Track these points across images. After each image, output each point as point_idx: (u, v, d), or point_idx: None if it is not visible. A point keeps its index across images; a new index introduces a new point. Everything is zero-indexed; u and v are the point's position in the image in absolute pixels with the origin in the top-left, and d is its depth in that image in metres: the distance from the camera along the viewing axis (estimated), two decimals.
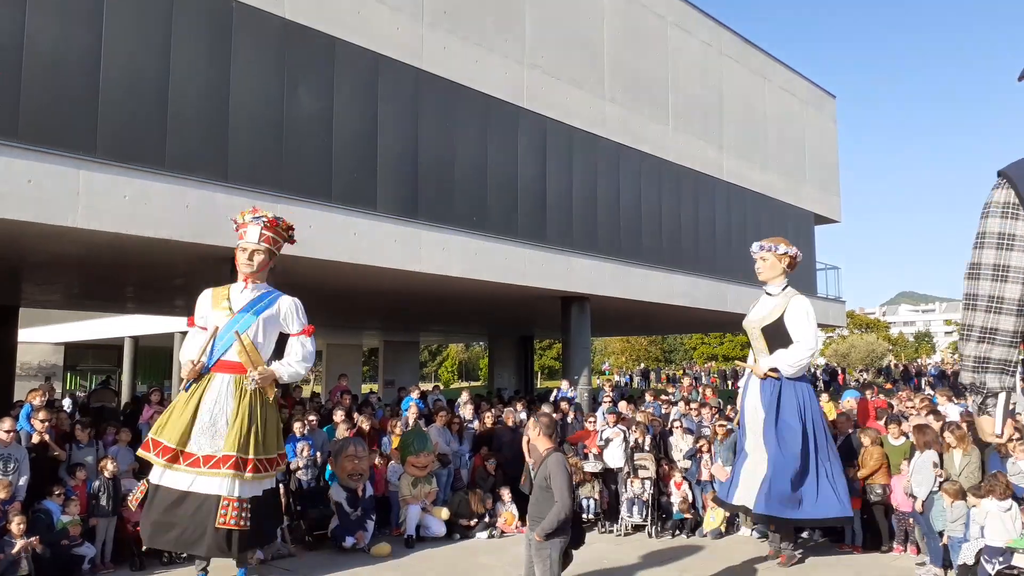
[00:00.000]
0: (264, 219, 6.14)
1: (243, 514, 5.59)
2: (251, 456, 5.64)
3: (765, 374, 6.85)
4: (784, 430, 6.71)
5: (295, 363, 6.07)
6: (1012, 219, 2.12)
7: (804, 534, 7.96)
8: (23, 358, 26.02)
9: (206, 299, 6.13)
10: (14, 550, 6.07)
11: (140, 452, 5.99)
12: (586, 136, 14.94)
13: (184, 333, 23.82)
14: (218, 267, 10.37)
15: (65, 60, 8.42)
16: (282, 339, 6.31)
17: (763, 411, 6.80)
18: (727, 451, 8.61)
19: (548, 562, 4.76)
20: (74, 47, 8.50)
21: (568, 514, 4.79)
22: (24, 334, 21.09)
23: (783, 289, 7.14)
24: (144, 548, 6.39)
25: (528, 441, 9.46)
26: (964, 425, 7.39)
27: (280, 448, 6.10)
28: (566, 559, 4.89)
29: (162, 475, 5.68)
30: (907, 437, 7.74)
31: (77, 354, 31.87)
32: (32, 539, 6.22)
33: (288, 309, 6.16)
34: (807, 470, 6.67)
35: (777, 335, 6.92)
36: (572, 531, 4.84)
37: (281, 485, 8.18)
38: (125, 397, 24.20)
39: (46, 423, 7.53)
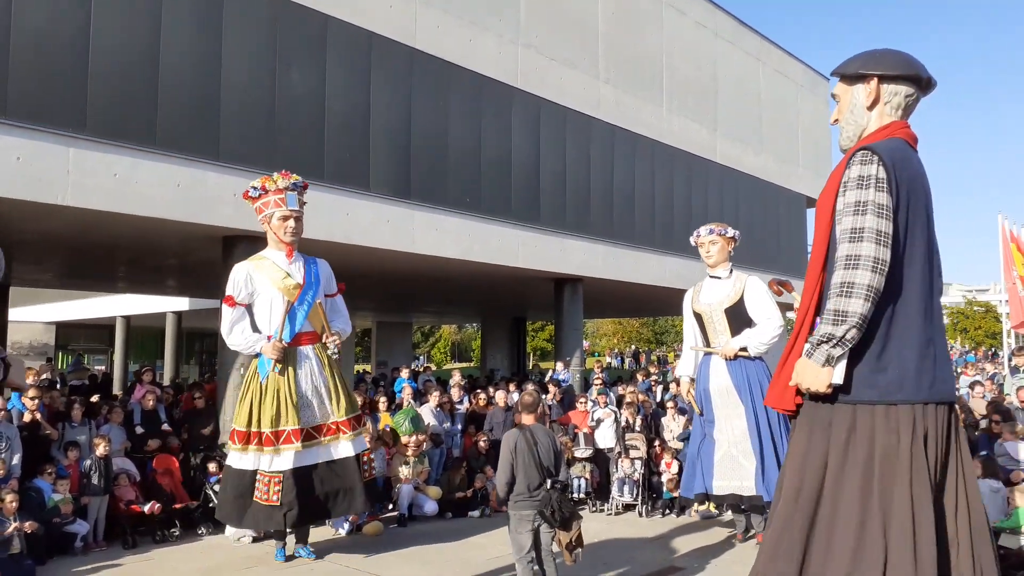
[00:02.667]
0: (300, 184, 6.09)
1: (371, 465, 6.07)
2: (359, 413, 6.15)
3: (736, 354, 6.63)
4: (767, 409, 6.51)
5: (346, 322, 6.27)
6: (888, 193, 2.45)
7: None
8: (14, 337, 25.92)
9: (252, 274, 5.87)
10: (7, 531, 6.07)
11: (238, 446, 5.80)
12: (580, 117, 14.88)
13: (178, 313, 23.39)
14: (209, 247, 10.34)
15: (54, 36, 8.32)
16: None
17: (739, 393, 6.57)
18: None
19: (510, 532, 4.86)
20: (63, 23, 8.40)
21: (505, 487, 4.81)
22: (15, 313, 21.02)
23: (730, 272, 7.05)
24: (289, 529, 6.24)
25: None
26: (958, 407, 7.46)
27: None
28: (569, 540, 4.87)
29: (298, 457, 5.70)
30: None
31: (69, 333, 31.78)
32: (25, 523, 6.20)
33: (329, 271, 6.28)
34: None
35: (737, 316, 6.75)
36: (554, 512, 4.76)
37: None
38: (117, 375, 24.17)
39: (36, 400, 7.52)
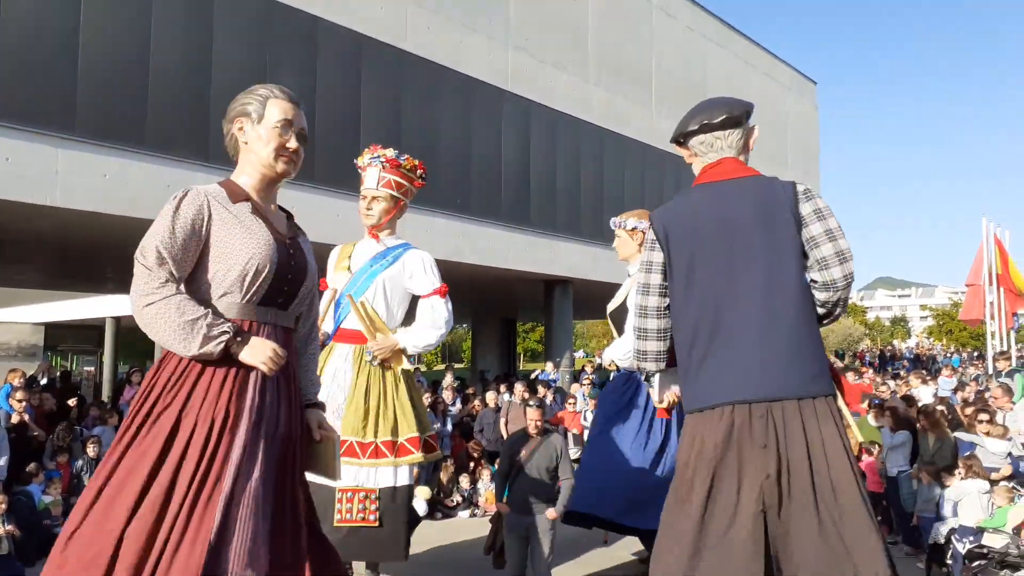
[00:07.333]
0: (382, 159, 4.94)
1: (368, 506, 4.57)
2: (369, 440, 4.63)
3: (611, 364, 5.48)
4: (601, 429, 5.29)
5: (423, 329, 4.85)
6: (654, 250, 2.89)
7: None
8: (2, 338, 25.77)
9: (332, 257, 5.01)
10: None
11: None
12: (570, 120, 14.93)
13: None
14: None
15: (42, 36, 8.30)
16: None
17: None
18: None
19: (550, 536, 4.85)
20: (52, 23, 8.38)
21: None
22: (2, 314, 20.87)
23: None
24: None
25: (507, 423, 9.56)
26: (938, 409, 7.55)
27: (416, 430, 4.79)
28: None
29: None
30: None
31: (57, 334, 31.54)
32: (9, 527, 6.17)
33: (415, 266, 4.92)
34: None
35: (619, 322, 5.54)
36: None
37: None
38: (106, 377, 24.02)
39: (23, 403, 7.50)
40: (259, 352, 2.33)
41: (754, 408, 2.64)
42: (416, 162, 5.08)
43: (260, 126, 2.48)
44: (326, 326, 4.84)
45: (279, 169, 2.51)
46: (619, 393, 5.32)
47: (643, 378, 3.14)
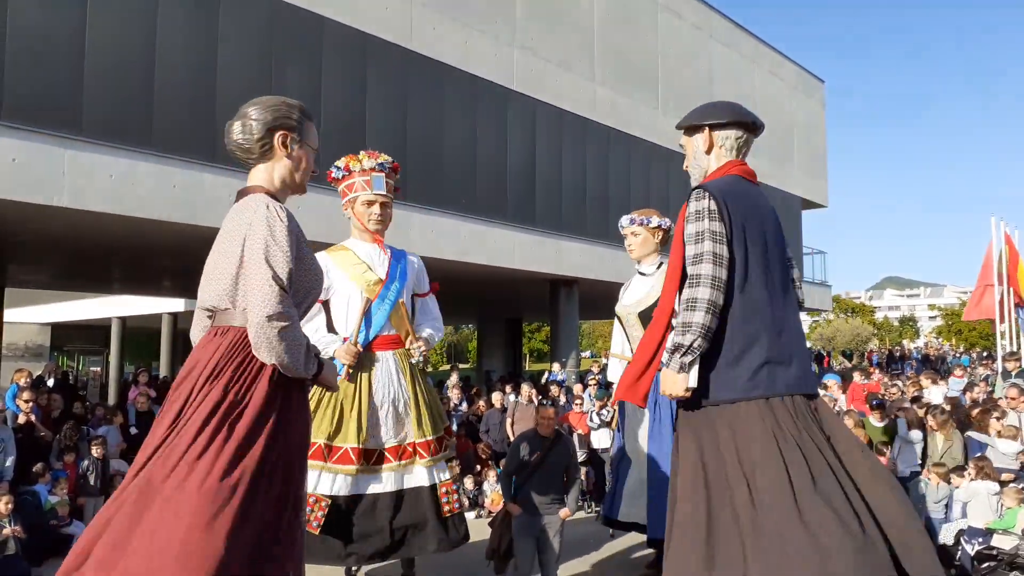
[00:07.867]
0: (388, 165, 5.08)
1: (460, 493, 4.94)
2: (443, 433, 4.95)
3: None
4: (667, 432, 5.19)
5: (437, 327, 5.21)
6: (719, 221, 2.79)
7: None
8: (9, 339, 25.85)
9: (330, 266, 4.93)
10: (2, 533, 6.06)
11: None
12: (576, 119, 14.90)
13: (174, 314, 22.98)
14: (205, 248, 10.32)
15: (50, 37, 8.32)
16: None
17: (649, 411, 5.32)
18: None
19: (560, 536, 4.87)
20: (59, 24, 8.40)
21: None
22: (10, 314, 20.94)
23: (658, 268, 5.82)
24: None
25: (513, 424, 9.53)
26: (947, 409, 7.50)
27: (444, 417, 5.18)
28: None
29: (354, 482, 4.64)
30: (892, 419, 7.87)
31: (64, 335, 31.69)
32: (15, 528, 6.18)
33: (420, 266, 5.27)
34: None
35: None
36: None
37: None
38: (112, 377, 24.09)
39: (30, 403, 7.52)
40: (334, 377, 2.58)
41: (811, 401, 2.77)
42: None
43: (301, 148, 2.52)
44: (346, 334, 4.83)
45: (302, 192, 2.60)
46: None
47: (686, 360, 2.74)
